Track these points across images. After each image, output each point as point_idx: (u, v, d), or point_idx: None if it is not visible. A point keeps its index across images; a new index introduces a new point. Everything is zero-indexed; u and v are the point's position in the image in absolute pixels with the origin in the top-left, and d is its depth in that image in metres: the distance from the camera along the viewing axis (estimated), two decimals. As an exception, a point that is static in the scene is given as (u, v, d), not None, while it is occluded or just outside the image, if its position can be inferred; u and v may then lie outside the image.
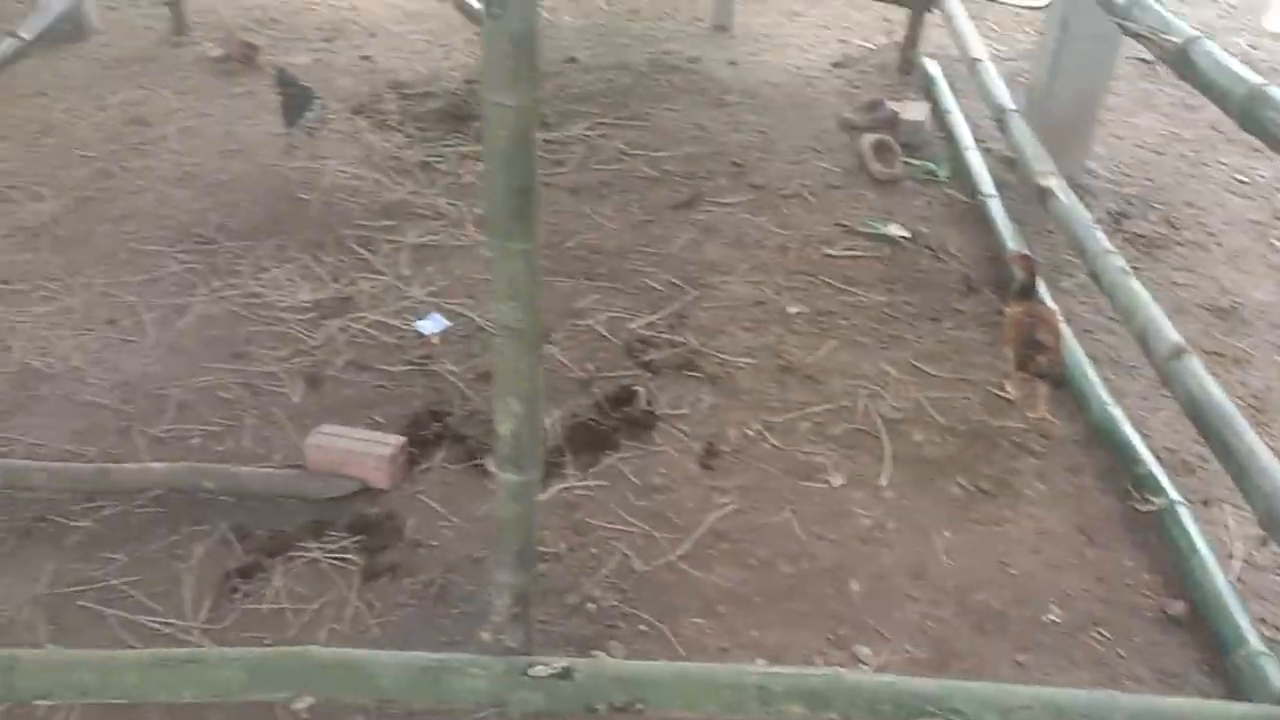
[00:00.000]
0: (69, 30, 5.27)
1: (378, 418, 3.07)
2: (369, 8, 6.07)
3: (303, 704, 1.83)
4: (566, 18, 6.03)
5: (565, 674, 1.81)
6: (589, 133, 4.75)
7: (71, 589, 2.51)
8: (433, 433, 3.02)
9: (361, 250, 3.83)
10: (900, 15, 5.72)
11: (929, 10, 5.40)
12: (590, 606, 2.52)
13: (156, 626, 2.41)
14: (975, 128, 4.78)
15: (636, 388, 3.20)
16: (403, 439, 2.89)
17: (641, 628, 2.48)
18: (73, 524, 2.67)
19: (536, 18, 1.38)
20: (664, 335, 3.47)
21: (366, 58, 5.40)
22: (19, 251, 3.74)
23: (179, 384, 3.16)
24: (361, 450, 2.81)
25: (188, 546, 2.63)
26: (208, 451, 2.93)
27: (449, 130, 4.70)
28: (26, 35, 4.19)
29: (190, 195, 4.12)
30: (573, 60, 5.49)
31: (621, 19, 6.12)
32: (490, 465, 1.73)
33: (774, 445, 3.05)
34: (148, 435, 2.97)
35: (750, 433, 3.09)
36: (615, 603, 2.54)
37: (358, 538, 2.66)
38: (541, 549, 2.66)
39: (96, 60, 5.26)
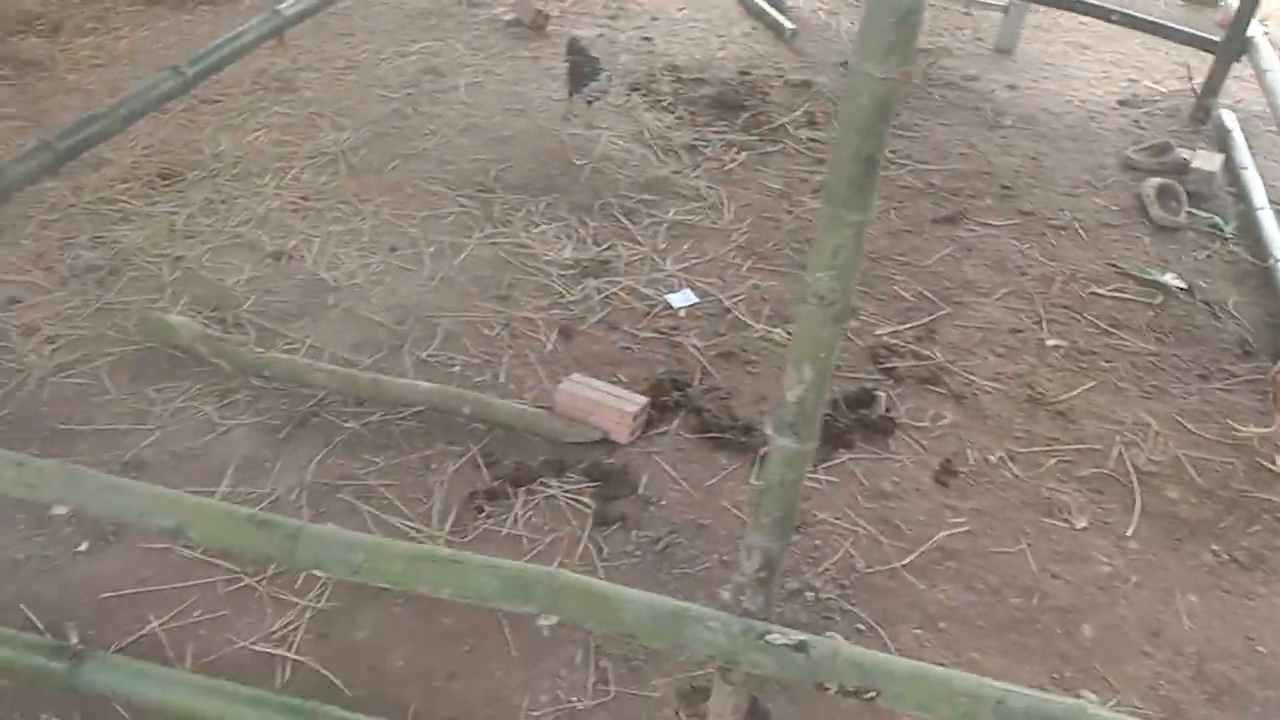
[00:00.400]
0: (379, -20, 5.69)
1: (621, 376, 3.17)
2: (653, -9, 6.23)
3: (547, 622, 1.91)
4: (846, 22, 6.00)
5: (801, 647, 1.82)
6: (855, 137, 4.70)
7: (334, 481, 2.73)
8: (672, 400, 3.09)
9: (623, 219, 3.95)
10: (1199, 61, 5.38)
11: (1238, 59, 5.05)
12: (809, 595, 2.52)
13: (403, 528, 2.59)
14: (1270, 188, 4.45)
15: (877, 392, 3.17)
16: (646, 399, 2.97)
17: (859, 626, 2.46)
18: (343, 424, 2.90)
19: (922, -6, 1.39)
20: (910, 346, 3.41)
21: (647, 39, 5.55)
22: (318, 173, 4.07)
23: (448, 314, 3.36)
24: (607, 403, 2.91)
25: (440, 462, 2.81)
26: (466, 380, 3.11)
27: (717, 117, 4.77)
28: (353, -21, 4.54)
29: (473, 145, 4.36)
30: (846, 65, 5.46)
31: (900, 30, 6.02)
32: (767, 428, 1.75)
33: (1015, 475, 2.95)
34: (415, 356, 3.18)
35: (991, 459, 3.00)
36: (834, 597, 2.53)
37: (594, 484, 2.77)
38: (766, 530, 2.69)
39: (400, 10, 5.64)
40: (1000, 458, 3.01)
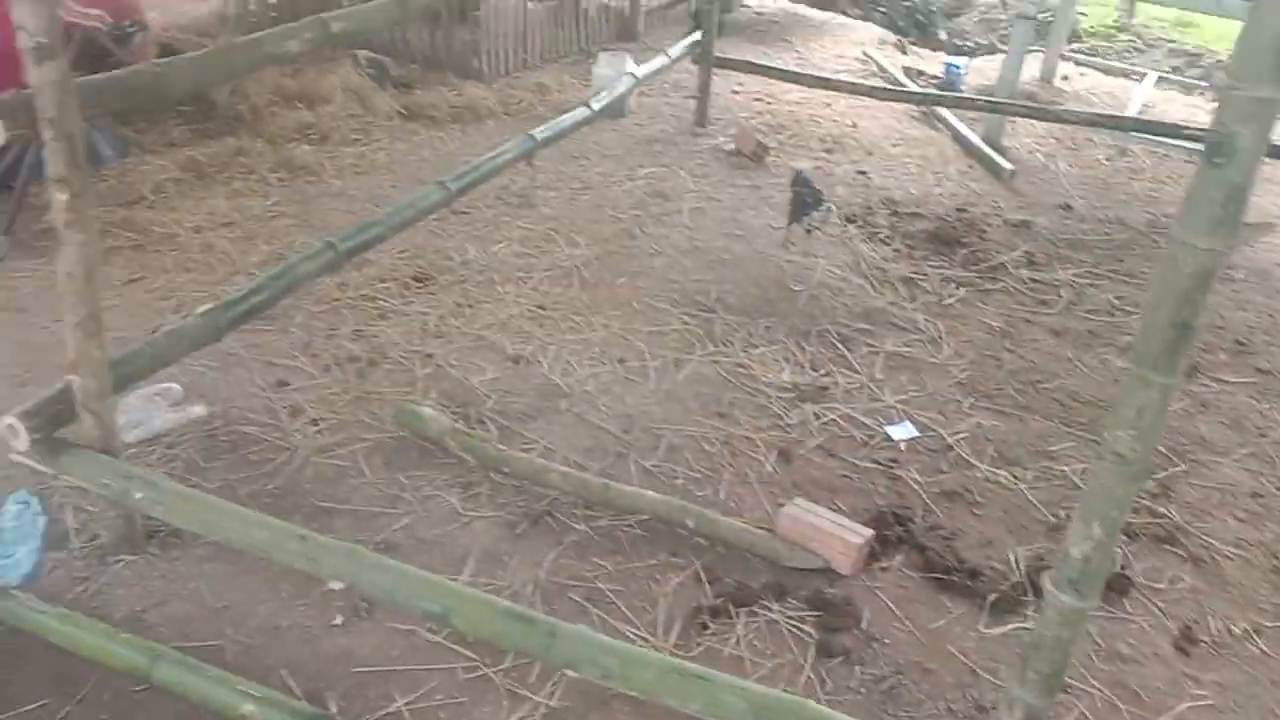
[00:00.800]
0: (611, 109, 6.06)
1: (840, 505, 3.17)
2: (869, 128, 6.39)
3: (792, 751, 1.92)
4: (1064, 165, 5.98)
5: (1059, 811, 1.76)
6: (1078, 279, 4.65)
7: (565, 581, 2.82)
8: (894, 535, 3.07)
9: (840, 346, 4.01)
10: None
11: None
12: (1043, 755, 2.43)
13: (630, 636, 2.65)
14: None
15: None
16: (871, 532, 2.97)
17: (1097, 795, 2.34)
18: (573, 526, 3.01)
19: (1256, 172, 1.43)
20: (1144, 502, 3.29)
21: (862, 172, 5.68)
22: (554, 284, 4.31)
23: (670, 427, 3.47)
24: (831, 532, 2.92)
25: (664, 573, 2.87)
26: (688, 494, 3.18)
27: (935, 252, 4.81)
28: (595, 106, 4.87)
29: (696, 266, 4.54)
30: (1067, 207, 5.43)
31: (1122, 175, 5.96)
32: (1046, 583, 1.74)
33: (1263, 650, 2.78)
34: (640, 465, 3.29)
35: (1235, 630, 2.83)
36: (1070, 760, 2.43)
37: (815, 613, 2.76)
38: (992, 679, 2.62)
39: (629, 136, 5.98)
40: (1245, 630, 2.84)
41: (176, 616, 2.61)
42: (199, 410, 3.26)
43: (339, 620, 2.62)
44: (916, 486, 3.29)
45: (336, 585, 2.30)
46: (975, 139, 6.10)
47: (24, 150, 4.12)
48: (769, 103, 6.67)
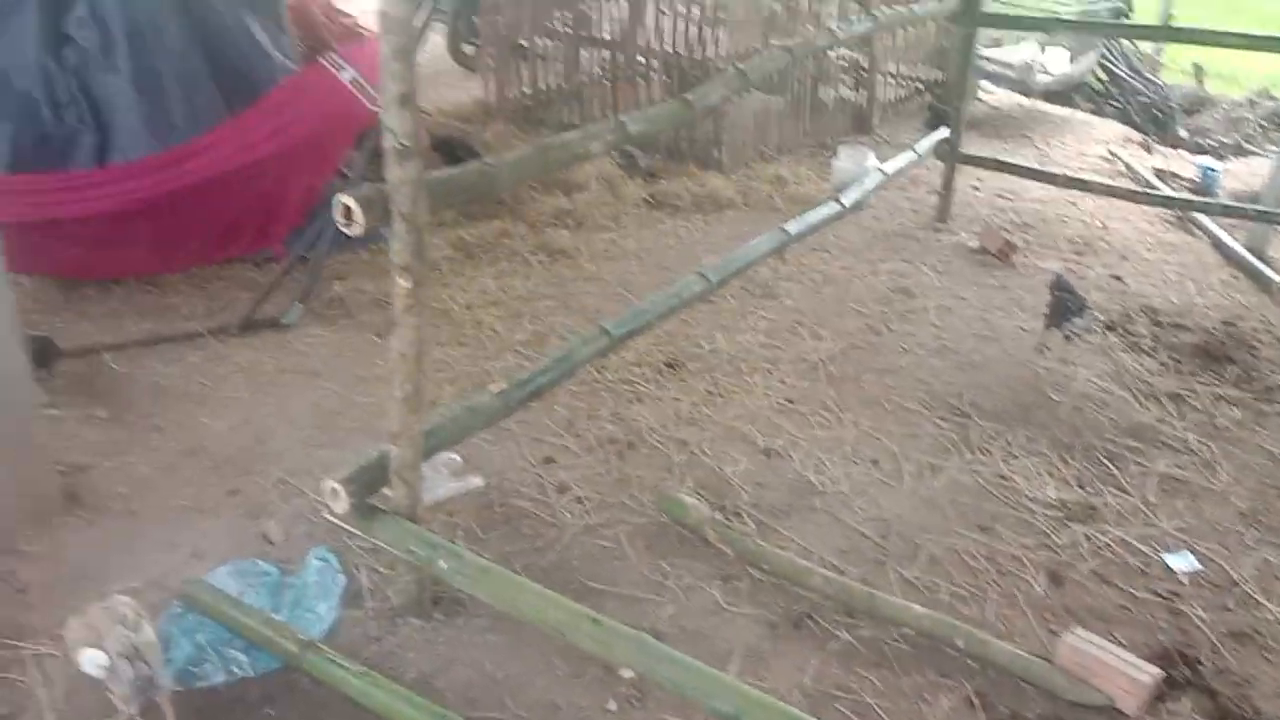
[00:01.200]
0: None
1: (1117, 636, 3.00)
2: (1120, 230, 6.15)
3: None
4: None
5: None
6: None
7: (830, 690, 2.78)
8: (1180, 676, 2.87)
9: (1108, 464, 3.82)
10: None
11: None
12: None
13: (902, 757, 2.58)
14: None
15: None
16: (1160, 671, 2.79)
17: None
18: (835, 633, 2.97)
19: None
20: None
21: (1117, 277, 5.46)
22: (800, 378, 4.33)
23: (930, 537, 3.39)
24: (1116, 667, 2.75)
25: (934, 694, 2.78)
26: (953, 610, 3.08)
27: (1203, 367, 4.54)
28: (846, 202, 4.90)
29: (945, 367, 4.46)
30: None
31: None
32: None
33: None
34: (900, 575, 3.22)
35: None
36: None
37: (1103, 754, 2.61)
38: None
39: (868, 230, 5.98)
40: None
41: (460, 683, 2.73)
42: (477, 481, 3.43)
43: (613, 706, 2.66)
44: (1202, 625, 3.08)
45: (627, 674, 2.35)
46: (1238, 247, 5.77)
47: (325, 226, 4.50)
48: (1011, 200, 6.54)
